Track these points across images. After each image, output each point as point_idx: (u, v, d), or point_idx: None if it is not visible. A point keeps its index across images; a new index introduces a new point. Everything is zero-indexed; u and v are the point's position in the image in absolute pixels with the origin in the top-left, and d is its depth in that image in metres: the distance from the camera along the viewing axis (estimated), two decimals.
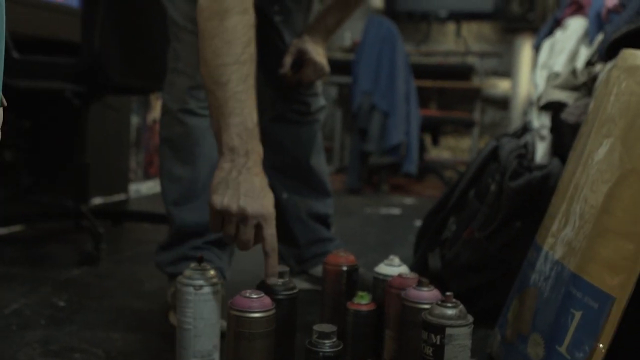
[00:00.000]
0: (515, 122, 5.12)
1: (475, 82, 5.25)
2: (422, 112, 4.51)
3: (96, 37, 2.04)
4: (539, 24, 5.11)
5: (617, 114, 1.04)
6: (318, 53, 1.71)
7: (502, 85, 5.46)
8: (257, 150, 1.20)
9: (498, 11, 5.23)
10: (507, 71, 5.41)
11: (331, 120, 5.26)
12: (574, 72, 2.15)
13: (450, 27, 5.64)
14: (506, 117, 5.45)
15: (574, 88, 2.09)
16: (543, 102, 2.03)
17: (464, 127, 5.28)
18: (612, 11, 2.02)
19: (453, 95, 5.46)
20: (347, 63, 4.34)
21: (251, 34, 1.24)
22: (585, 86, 2.03)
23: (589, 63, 2.12)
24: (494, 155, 1.72)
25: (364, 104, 4.05)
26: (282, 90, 1.76)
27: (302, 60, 1.71)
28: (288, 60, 1.70)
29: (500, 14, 5.23)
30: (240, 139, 1.17)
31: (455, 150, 5.70)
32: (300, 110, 1.78)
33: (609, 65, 1.43)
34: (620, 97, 1.05)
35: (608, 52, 1.51)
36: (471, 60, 5.32)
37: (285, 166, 1.78)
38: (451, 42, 5.68)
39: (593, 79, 1.91)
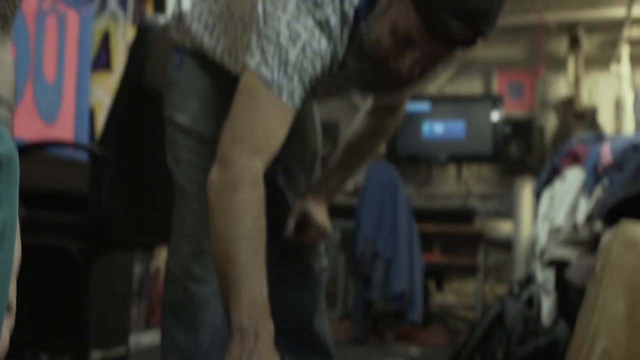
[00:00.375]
0: (519, 264, 5.10)
1: (477, 224, 5.29)
2: (426, 257, 4.50)
3: (103, 195, 2.08)
4: (538, 166, 5.22)
5: (620, 294, 1.03)
6: (321, 214, 1.72)
7: (504, 227, 5.50)
8: (267, 327, 1.19)
9: (497, 154, 5.35)
10: (509, 212, 5.46)
11: (334, 265, 5.24)
12: (575, 228, 2.16)
13: (451, 169, 5.74)
14: (510, 259, 5.44)
15: (576, 244, 2.09)
16: (546, 259, 2.03)
17: (468, 272, 5.27)
18: (608, 167, 2.06)
19: (456, 238, 5.48)
20: (350, 207, 4.38)
21: (261, 207, 1.26)
22: (587, 243, 2.04)
23: (590, 218, 2.14)
24: (499, 318, 1.71)
25: (366, 250, 4.05)
26: (285, 252, 1.76)
27: (305, 221, 1.72)
28: (291, 222, 1.71)
29: (499, 157, 5.35)
30: (249, 318, 1.17)
31: (460, 294, 5.64)
32: (303, 272, 1.78)
33: (610, 234, 1.44)
34: (623, 276, 1.05)
35: (607, 216, 1.53)
36: (472, 202, 5.38)
37: (288, 330, 1.75)
38: (452, 184, 5.76)
39: (595, 237, 1.92)
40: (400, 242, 4.07)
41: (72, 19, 3.04)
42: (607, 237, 1.53)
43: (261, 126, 1.28)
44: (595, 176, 2.35)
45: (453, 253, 5.42)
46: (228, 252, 1.21)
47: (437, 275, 4.91)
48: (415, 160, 5.65)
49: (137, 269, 3.49)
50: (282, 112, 1.29)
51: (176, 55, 1.59)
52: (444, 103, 5.64)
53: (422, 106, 5.51)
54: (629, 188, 1.52)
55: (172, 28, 1.64)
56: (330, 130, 5.21)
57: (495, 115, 5.37)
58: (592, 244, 1.99)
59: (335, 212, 1.88)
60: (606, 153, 2.04)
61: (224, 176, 1.25)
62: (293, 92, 1.28)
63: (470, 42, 1.24)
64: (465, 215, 5.21)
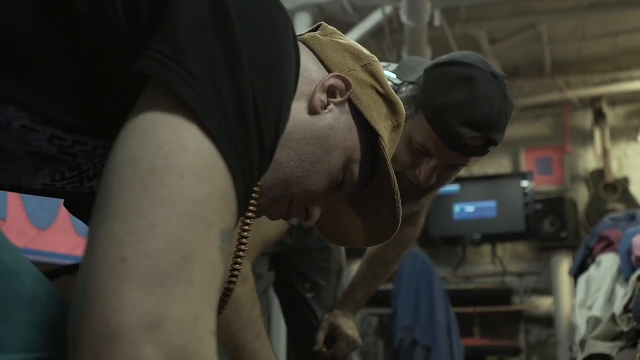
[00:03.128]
0: (563, 342, 4.99)
1: (516, 302, 5.21)
2: (465, 341, 4.44)
3: None
4: (573, 241, 5.17)
5: None
6: (349, 327, 1.76)
7: (544, 304, 5.41)
8: None
9: (531, 231, 5.32)
10: (547, 288, 5.38)
11: (374, 350, 5.19)
12: (613, 318, 2.14)
13: (486, 249, 5.70)
14: (552, 335, 5.33)
15: (616, 337, 2.07)
16: (586, 354, 2.00)
17: (511, 354, 5.16)
18: None
19: (495, 318, 5.40)
20: (387, 293, 4.37)
21: (254, 297, 1.36)
22: (627, 334, 2.01)
23: (627, 309, 2.11)
24: None
25: (405, 339, 4.01)
26: None
27: (334, 335, 1.75)
28: (321, 336, 1.74)
29: (533, 234, 5.31)
30: None
31: None
32: None
33: None
34: None
35: None
36: (510, 280, 5.31)
37: None
38: (488, 264, 5.71)
39: (635, 331, 1.90)
40: (438, 329, 4.03)
41: None
42: None
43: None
44: (630, 262, 2.34)
45: (493, 335, 5.33)
46: (235, 341, 1.32)
47: (478, 359, 4.82)
48: (449, 242, 5.63)
49: None
50: (279, 224, 1.37)
51: None
52: (474, 183, 5.66)
53: (452, 188, 5.54)
54: None
55: None
56: None
57: (526, 192, 5.36)
58: (631, 337, 1.96)
59: (372, 299, 1.91)
60: (638, 245, 2.04)
61: None
62: None
63: (481, 150, 1.30)
64: (503, 295, 5.14)
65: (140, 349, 0.54)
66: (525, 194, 5.38)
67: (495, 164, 5.90)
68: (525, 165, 5.78)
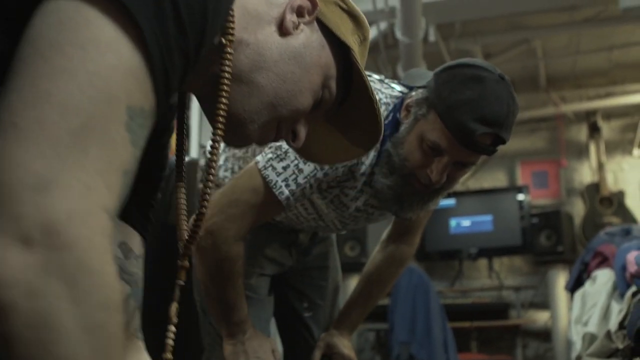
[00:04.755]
0: (560, 355, 4.97)
1: (513, 316, 5.20)
2: (462, 356, 4.43)
3: None
4: (570, 254, 5.16)
5: None
6: (345, 346, 1.77)
7: (541, 318, 5.40)
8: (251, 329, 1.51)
9: (527, 245, 5.31)
10: (544, 302, 5.38)
11: None
12: (608, 335, 2.14)
13: (482, 262, 5.70)
14: (550, 349, 5.31)
15: (611, 353, 2.06)
16: None
17: None
18: (635, 276, 2.05)
19: (492, 332, 5.39)
20: (384, 308, 4.36)
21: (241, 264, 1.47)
22: (622, 351, 2.01)
23: (622, 325, 2.11)
24: None
25: (402, 354, 4.00)
26: None
27: (330, 354, 1.76)
28: (317, 354, 1.75)
29: (529, 248, 5.31)
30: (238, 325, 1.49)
31: None
32: None
33: None
34: None
35: (637, 336, 1.52)
36: (506, 294, 5.30)
37: None
38: (484, 278, 5.70)
39: (630, 348, 1.90)
40: (435, 344, 4.01)
41: None
42: None
43: (251, 216, 1.42)
44: (624, 279, 2.34)
45: (491, 349, 5.31)
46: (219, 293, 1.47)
47: None
48: (445, 256, 5.62)
49: None
50: (275, 207, 1.42)
51: None
52: (470, 197, 5.66)
53: (447, 202, 5.55)
54: None
55: (199, 179, 1.71)
56: (359, 232, 5.24)
57: (522, 206, 5.37)
58: (626, 353, 1.96)
59: (369, 314, 1.91)
60: (632, 262, 2.04)
61: (214, 252, 1.41)
62: (293, 195, 1.40)
63: (491, 148, 1.34)
64: (500, 309, 5.14)
65: (21, 208, 0.53)
66: (521, 208, 5.38)
67: (491, 177, 5.90)
68: (521, 179, 5.79)
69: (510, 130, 1.34)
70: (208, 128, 3.71)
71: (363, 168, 1.42)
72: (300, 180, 1.39)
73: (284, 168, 1.39)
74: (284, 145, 1.39)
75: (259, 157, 1.42)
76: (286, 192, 1.39)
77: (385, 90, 1.47)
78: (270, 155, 1.40)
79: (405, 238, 1.78)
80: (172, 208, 1.96)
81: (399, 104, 1.44)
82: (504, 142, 1.34)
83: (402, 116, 1.41)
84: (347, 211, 1.53)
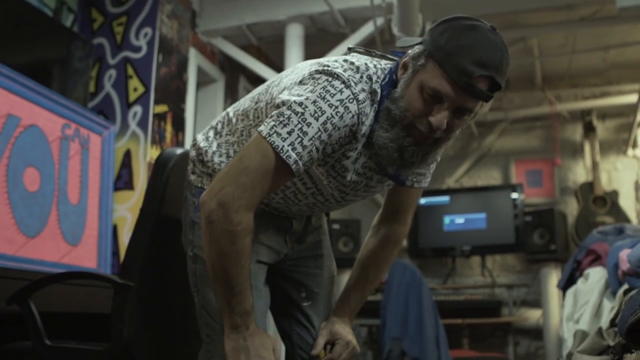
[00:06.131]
0: (552, 352, 4.99)
1: (505, 314, 5.21)
2: (454, 352, 4.43)
3: (125, 324, 2.09)
4: (563, 253, 5.17)
5: None
6: (347, 332, 1.77)
7: (533, 316, 5.41)
8: (254, 324, 1.51)
9: (520, 243, 5.32)
10: (536, 300, 5.39)
11: None
12: (600, 332, 2.14)
13: (475, 260, 5.71)
14: (541, 347, 5.33)
15: (602, 351, 2.07)
16: None
17: None
18: (627, 274, 2.06)
19: (484, 329, 5.40)
20: (376, 304, 4.36)
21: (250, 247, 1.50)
22: (613, 348, 2.02)
23: (613, 323, 2.12)
24: None
25: (394, 350, 4.00)
26: None
27: (333, 340, 1.76)
28: (320, 341, 1.75)
29: (522, 246, 5.32)
30: (241, 318, 1.48)
31: None
32: None
33: (632, 357, 1.43)
34: None
35: (628, 333, 1.52)
36: (499, 292, 5.30)
37: None
38: (477, 275, 5.72)
39: (621, 345, 1.90)
40: (427, 340, 4.02)
41: (95, 142, 3.14)
42: (630, 358, 1.52)
43: (262, 184, 1.45)
44: (617, 277, 2.34)
45: (482, 346, 5.33)
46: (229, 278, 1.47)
47: None
48: (438, 253, 5.63)
49: None
50: (285, 172, 1.45)
51: (197, 197, 1.64)
52: (463, 195, 5.67)
53: (442, 199, 5.55)
54: None
55: (189, 170, 1.70)
56: (353, 228, 5.24)
57: (516, 204, 5.37)
58: (617, 351, 1.96)
59: (361, 309, 1.92)
60: (624, 260, 2.05)
61: (225, 223, 1.43)
62: (301, 158, 1.43)
63: (487, 94, 1.41)
64: (492, 306, 5.14)
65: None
66: (515, 206, 5.39)
67: (485, 175, 5.91)
68: (515, 177, 5.80)
69: (504, 76, 1.42)
70: (202, 122, 3.73)
71: (364, 129, 1.48)
72: (306, 142, 1.42)
73: (289, 133, 1.42)
74: (285, 111, 1.43)
75: (261, 127, 1.45)
76: (293, 155, 1.42)
77: (382, 63, 1.56)
78: (272, 123, 1.44)
79: (397, 217, 1.80)
80: (165, 200, 1.97)
81: (395, 66, 1.52)
82: (499, 87, 1.41)
83: (400, 74, 1.48)
84: (346, 177, 1.56)
